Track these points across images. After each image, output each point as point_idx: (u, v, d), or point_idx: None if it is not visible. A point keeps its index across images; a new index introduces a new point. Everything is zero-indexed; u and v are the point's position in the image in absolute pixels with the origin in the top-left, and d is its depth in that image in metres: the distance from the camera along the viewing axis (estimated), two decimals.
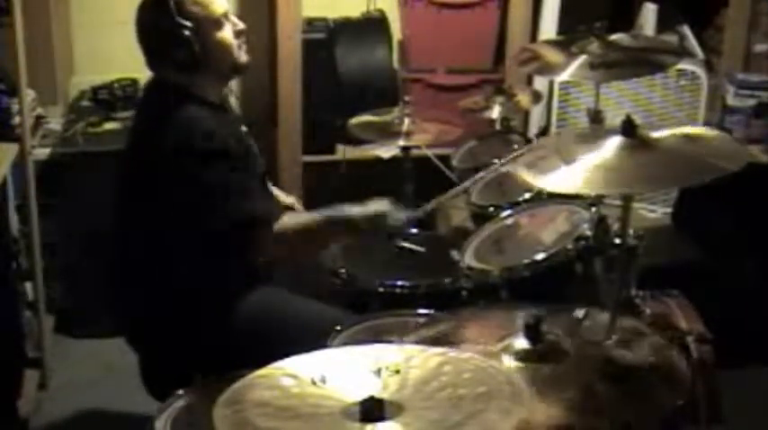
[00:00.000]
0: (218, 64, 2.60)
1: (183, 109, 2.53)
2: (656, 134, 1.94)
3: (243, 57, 2.65)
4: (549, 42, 3.18)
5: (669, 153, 1.89)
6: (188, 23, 2.52)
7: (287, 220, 2.60)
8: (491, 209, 2.88)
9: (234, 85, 2.95)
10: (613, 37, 2.80)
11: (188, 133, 2.48)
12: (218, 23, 2.58)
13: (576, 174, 1.85)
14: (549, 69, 2.91)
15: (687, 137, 1.96)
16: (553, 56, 2.84)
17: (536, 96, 3.51)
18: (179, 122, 2.50)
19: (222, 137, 2.51)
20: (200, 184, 2.46)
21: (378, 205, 2.66)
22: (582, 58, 2.72)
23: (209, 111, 2.56)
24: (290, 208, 2.94)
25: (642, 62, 2.79)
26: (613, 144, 1.89)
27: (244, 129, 2.76)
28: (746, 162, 1.86)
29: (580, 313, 1.99)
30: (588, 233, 2.37)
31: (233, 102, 2.79)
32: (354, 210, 2.62)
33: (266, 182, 2.80)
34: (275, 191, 2.94)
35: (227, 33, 2.59)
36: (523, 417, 1.38)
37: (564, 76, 2.81)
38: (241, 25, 2.64)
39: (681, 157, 1.89)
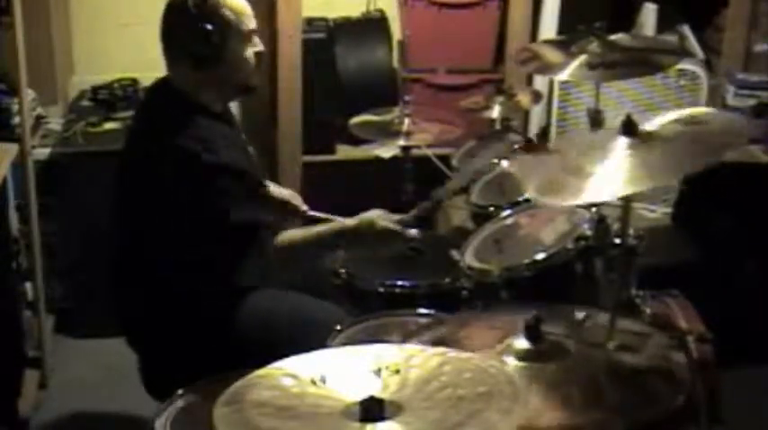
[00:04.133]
0: (230, 77, 2.60)
1: (189, 118, 2.53)
2: (653, 126, 1.93)
3: (254, 79, 2.66)
4: (549, 42, 3.18)
5: (672, 143, 1.88)
6: (219, 26, 2.52)
7: (286, 234, 2.65)
8: (491, 209, 2.88)
9: None
10: (613, 37, 2.80)
11: (195, 144, 2.48)
12: (244, 38, 2.58)
13: (591, 184, 1.85)
14: (549, 69, 2.92)
15: (684, 121, 1.95)
16: (553, 56, 2.84)
17: (536, 96, 3.51)
18: (186, 132, 2.51)
19: (225, 149, 2.52)
20: (205, 194, 2.48)
21: (372, 213, 2.72)
22: (582, 58, 2.72)
23: (210, 121, 2.56)
24: (286, 204, 2.93)
25: (642, 62, 2.79)
26: (616, 146, 1.89)
27: (244, 138, 2.77)
28: (748, 136, 1.83)
29: (580, 315, 1.99)
30: (588, 233, 2.37)
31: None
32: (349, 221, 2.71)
33: (263, 189, 2.79)
34: (273, 188, 2.94)
35: (248, 51, 2.60)
36: (527, 418, 1.38)
37: (564, 75, 2.81)
38: (261, 47, 2.65)
39: (685, 144, 1.88)
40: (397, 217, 2.76)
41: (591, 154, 1.92)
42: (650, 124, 1.95)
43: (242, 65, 2.60)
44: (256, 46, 2.63)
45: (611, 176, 1.85)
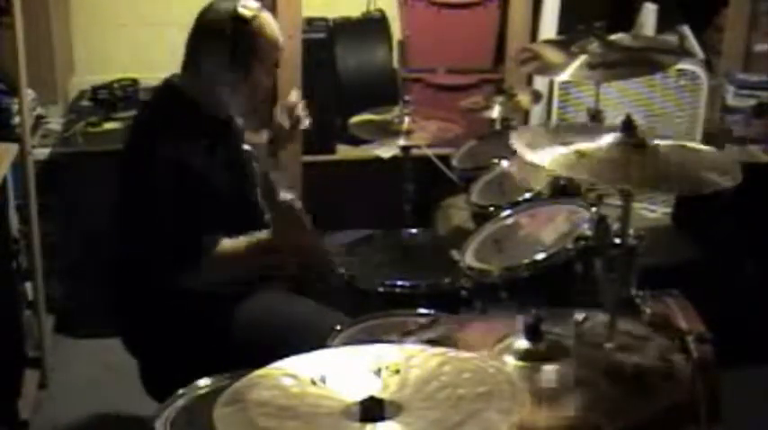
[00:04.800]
0: (240, 99, 2.61)
1: (189, 126, 2.54)
2: (656, 140, 1.95)
3: (258, 105, 2.68)
4: (548, 42, 3.18)
5: (665, 159, 1.90)
6: (248, 56, 2.53)
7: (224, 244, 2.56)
8: (491, 209, 2.88)
9: None
10: (613, 37, 2.80)
11: (167, 146, 2.50)
12: (268, 69, 2.61)
13: (570, 157, 1.86)
14: (549, 69, 2.92)
15: (686, 147, 1.97)
16: (553, 56, 2.84)
17: (536, 96, 3.51)
18: (176, 140, 2.51)
19: (193, 160, 2.51)
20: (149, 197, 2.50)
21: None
22: (582, 58, 2.72)
23: (209, 131, 2.56)
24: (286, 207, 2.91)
25: (642, 62, 2.79)
26: (611, 139, 1.90)
27: (246, 148, 2.76)
28: (739, 181, 1.86)
29: (580, 316, 1.99)
30: (588, 233, 2.37)
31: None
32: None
33: (254, 202, 2.78)
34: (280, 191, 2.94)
35: (267, 81, 2.63)
36: (524, 419, 1.38)
37: (564, 76, 2.82)
38: (273, 81, 2.69)
39: (676, 165, 1.90)
40: None
41: (586, 136, 1.94)
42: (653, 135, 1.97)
43: (256, 92, 2.62)
44: (273, 77, 2.65)
45: (591, 159, 1.86)
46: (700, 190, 1.87)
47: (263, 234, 2.60)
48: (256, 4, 2.58)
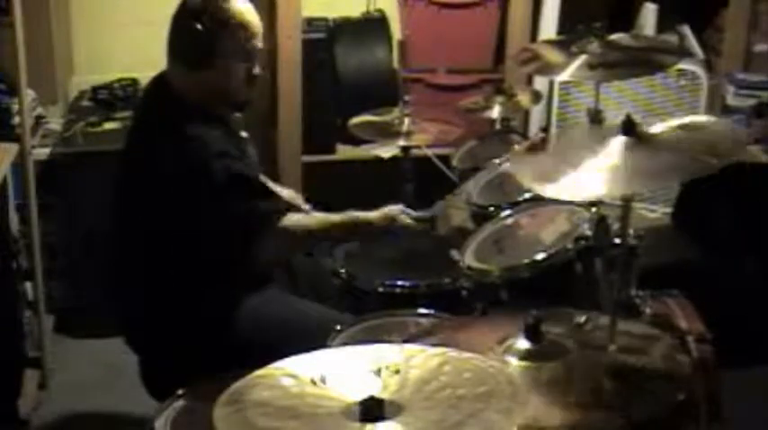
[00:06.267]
0: (216, 84, 2.59)
1: (186, 119, 2.53)
2: (655, 130, 1.93)
3: (242, 97, 2.65)
4: (548, 42, 3.18)
5: (672, 148, 1.88)
6: (213, 31, 2.52)
7: (302, 219, 2.64)
8: (491, 209, 2.88)
9: None
10: (613, 37, 2.80)
11: (194, 148, 2.50)
12: (242, 54, 2.58)
13: (587, 178, 1.85)
14: (549, 69, 2.91)
15: (686, 128, 1.95)
16: (553, 56, 2.84)
17: (536, 96, 3.51)
18: (184, 136, 2.51)
19: (223, 145, 2.53)
20: (215, 199, 2.49)
21: (394, 208, 2.74)
22: (582, 58, 2.72)
23: (204, 124, 2.56)
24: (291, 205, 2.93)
25: (642, 62, 2.79)
26: (616, 144, 1.89)
27: (244, 134, 2.76)
28: (747, 145, 1.83)
29: (581, 319, 1.99)
30: (588, 233, 2.37)
31: None
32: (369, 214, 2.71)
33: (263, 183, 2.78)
34: (273, 186, 2.94)
35: (242, 67, 2.59)
36: (528, 418, 1.38)
37: (564, 76, 2.81)
38: (259, 72, 2.65)
39: (684, 151, 1.88)
40: (415, 213, 2.78)
41: (590, 150, 1.92)
42: (651, 128, 1.95)
43: (231, 77, 2.59)
44: (254, 67, 2.62)
45: (608, 174, 1.85)
46: (710, 169, 1.83)
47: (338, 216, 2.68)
48: None
